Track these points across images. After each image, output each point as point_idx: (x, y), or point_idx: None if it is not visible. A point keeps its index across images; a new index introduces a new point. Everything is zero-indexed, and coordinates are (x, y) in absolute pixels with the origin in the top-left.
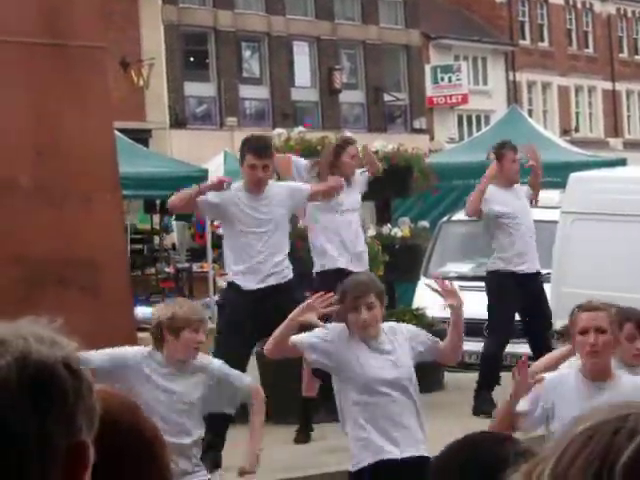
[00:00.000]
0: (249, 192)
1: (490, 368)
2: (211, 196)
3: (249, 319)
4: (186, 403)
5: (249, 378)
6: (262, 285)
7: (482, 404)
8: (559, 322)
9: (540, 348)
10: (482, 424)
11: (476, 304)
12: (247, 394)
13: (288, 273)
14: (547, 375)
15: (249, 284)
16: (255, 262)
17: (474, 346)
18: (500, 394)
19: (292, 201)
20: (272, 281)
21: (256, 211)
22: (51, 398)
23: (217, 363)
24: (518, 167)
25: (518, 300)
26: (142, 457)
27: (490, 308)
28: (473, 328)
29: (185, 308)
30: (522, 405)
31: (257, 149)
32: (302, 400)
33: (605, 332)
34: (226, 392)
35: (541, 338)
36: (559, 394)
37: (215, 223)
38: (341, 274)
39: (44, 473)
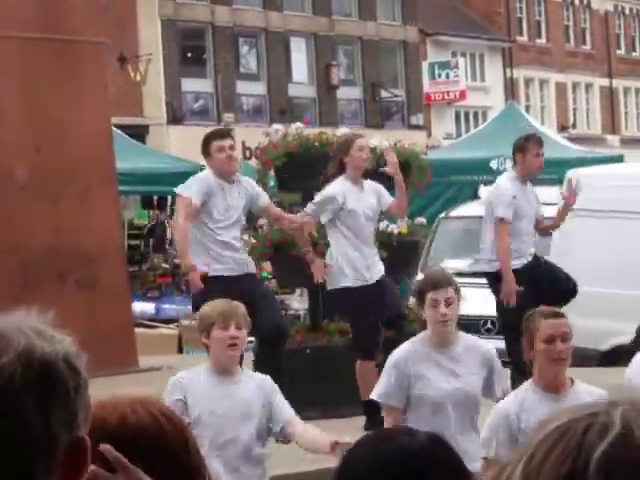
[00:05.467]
0: (220, 178)
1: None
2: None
3: None
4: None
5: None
6: None
7: None
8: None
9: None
10: None
11: (473, 301)
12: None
13: None
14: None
15: None
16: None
17: None
18: None
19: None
20: None
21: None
22: (55, 395)
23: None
24: (541, 163)
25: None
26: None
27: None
28: (470, 325)
29: (213, 304)
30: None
31: (219, 133)
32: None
33: (569, 339)
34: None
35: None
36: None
37: None
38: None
39: (49, 470)
